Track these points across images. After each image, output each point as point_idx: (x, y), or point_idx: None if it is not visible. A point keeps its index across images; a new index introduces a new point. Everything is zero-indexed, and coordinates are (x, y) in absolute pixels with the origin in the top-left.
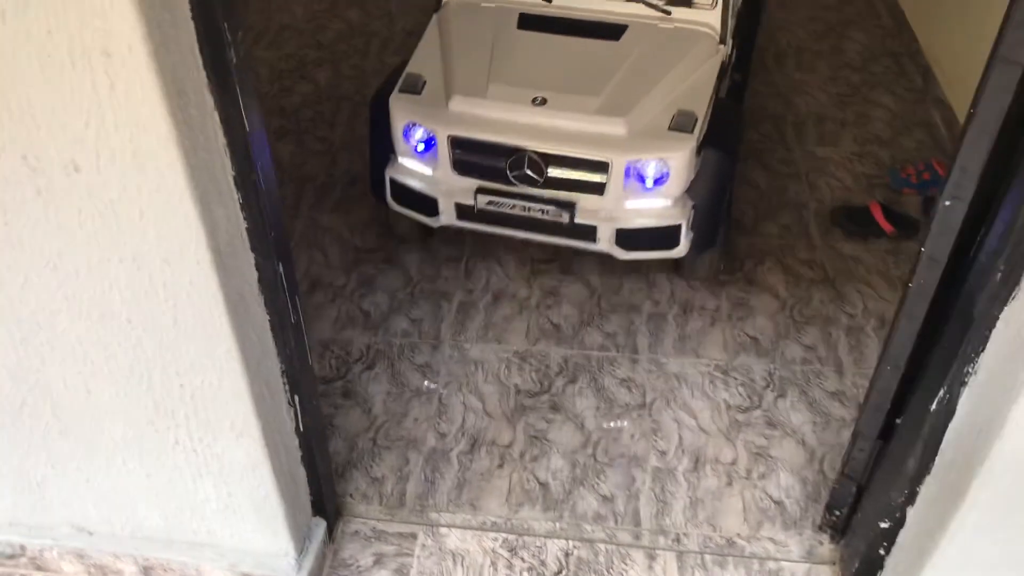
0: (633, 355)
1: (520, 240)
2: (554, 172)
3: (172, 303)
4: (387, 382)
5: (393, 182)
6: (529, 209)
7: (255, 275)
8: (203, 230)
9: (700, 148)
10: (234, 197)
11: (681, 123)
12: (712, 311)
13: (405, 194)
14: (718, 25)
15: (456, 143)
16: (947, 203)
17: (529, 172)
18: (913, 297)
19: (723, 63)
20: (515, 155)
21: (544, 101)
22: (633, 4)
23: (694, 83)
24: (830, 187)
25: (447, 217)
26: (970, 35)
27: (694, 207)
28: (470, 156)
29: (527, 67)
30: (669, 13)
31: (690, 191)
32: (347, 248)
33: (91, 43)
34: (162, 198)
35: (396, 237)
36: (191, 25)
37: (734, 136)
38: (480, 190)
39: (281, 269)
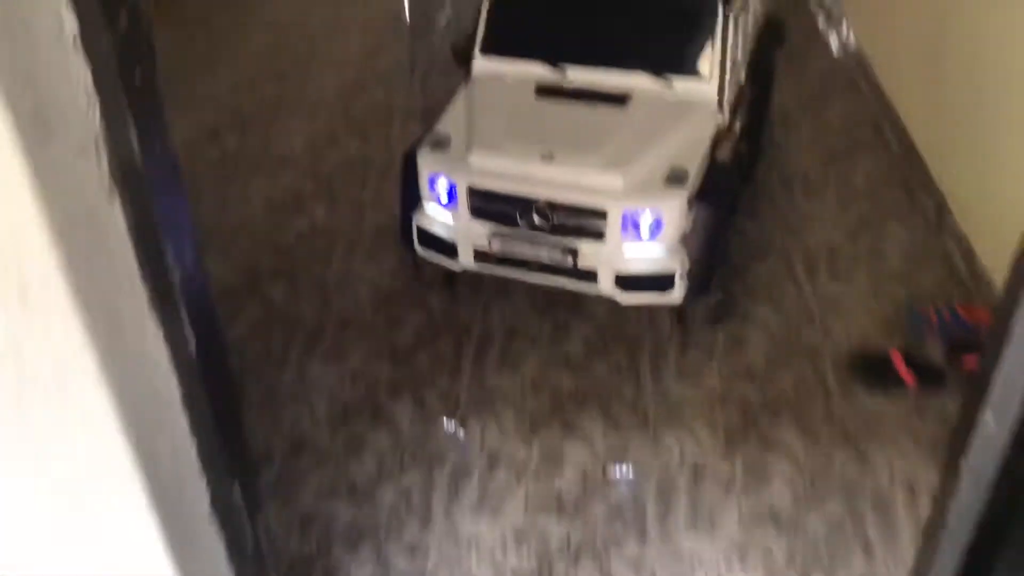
0: (641, 531)
1: (518, 391)
2: (559, 219)
3: (111, 541)
4: (371, 565)
5: (420, 229)
6: (537, 253)
7: (207, 498)
8: (137, 471)
9: (692, 202)
10: (183, 419)
11: (674, 177)
12: (726, 477)
13: (430, 240)
14: (715, 95)
15: (474, 192)
16: (991, 425)
17: (537, 219)
18: (956, 514)
19: (718, 128)
20: (525, 203)
21: (552, 156)
22: (639, 76)
23: (689, 144)
24: (846, 330)
25: (466, 260)
26: (983, 164)
27: (688, 256)
28: (486, 204)
29: (540, 127)
30: (671, 86)
31: (684, 242)
32: (335, 402)
33: (3, 272)
34: (91, 439)
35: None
36: (128, 244)
37: (728, 194)
38: (494, 235)
39: (238, 489)
